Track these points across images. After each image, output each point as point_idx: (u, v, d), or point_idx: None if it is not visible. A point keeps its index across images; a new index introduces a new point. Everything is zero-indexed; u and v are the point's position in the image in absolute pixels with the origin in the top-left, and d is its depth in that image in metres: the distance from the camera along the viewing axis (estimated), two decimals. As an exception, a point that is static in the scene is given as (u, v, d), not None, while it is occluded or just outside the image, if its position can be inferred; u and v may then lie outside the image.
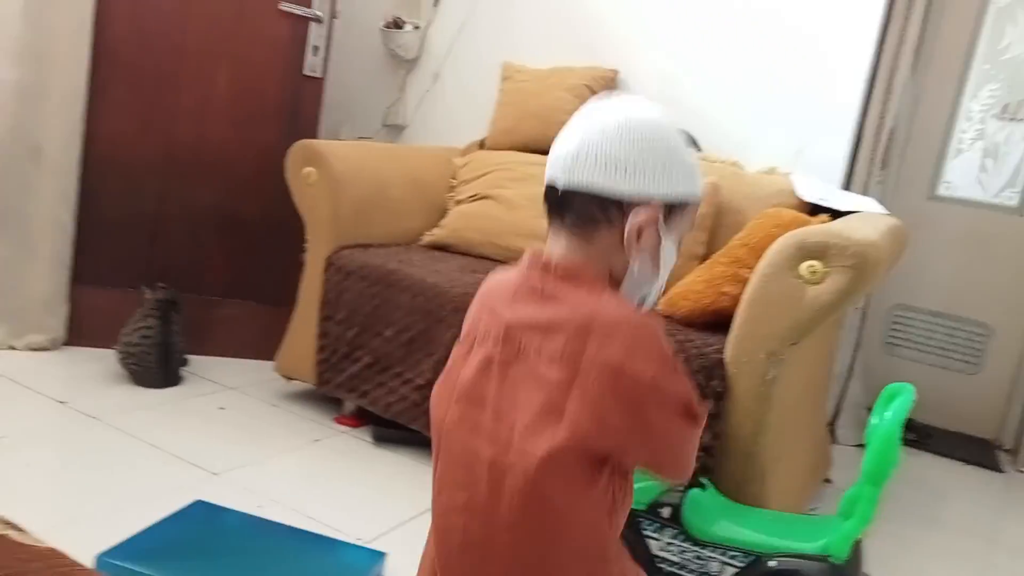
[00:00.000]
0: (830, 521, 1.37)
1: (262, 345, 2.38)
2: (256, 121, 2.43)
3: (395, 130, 3.02)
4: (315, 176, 2.14)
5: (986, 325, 2.91)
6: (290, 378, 2.27)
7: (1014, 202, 2.86)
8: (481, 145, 2.62)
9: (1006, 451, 2.85)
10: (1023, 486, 2.62)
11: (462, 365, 0.89)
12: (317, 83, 2.47)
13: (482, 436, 0.84)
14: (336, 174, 2.14)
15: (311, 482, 1.84)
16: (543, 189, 0.91)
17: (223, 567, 1.37)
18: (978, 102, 2.86)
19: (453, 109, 2.89)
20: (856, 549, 1.32)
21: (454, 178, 2.51)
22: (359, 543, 1.56)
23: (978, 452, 2.79)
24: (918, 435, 2.75)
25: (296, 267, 2.24)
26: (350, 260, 2.11)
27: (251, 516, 1.53)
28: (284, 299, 2.29)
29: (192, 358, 2.34)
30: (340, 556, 1.47)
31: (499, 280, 0.93)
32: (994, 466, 2.70)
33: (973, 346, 2.93)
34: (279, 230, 2.41)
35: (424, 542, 0.97)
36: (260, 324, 2.47)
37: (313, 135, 2.44)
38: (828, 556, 1.28)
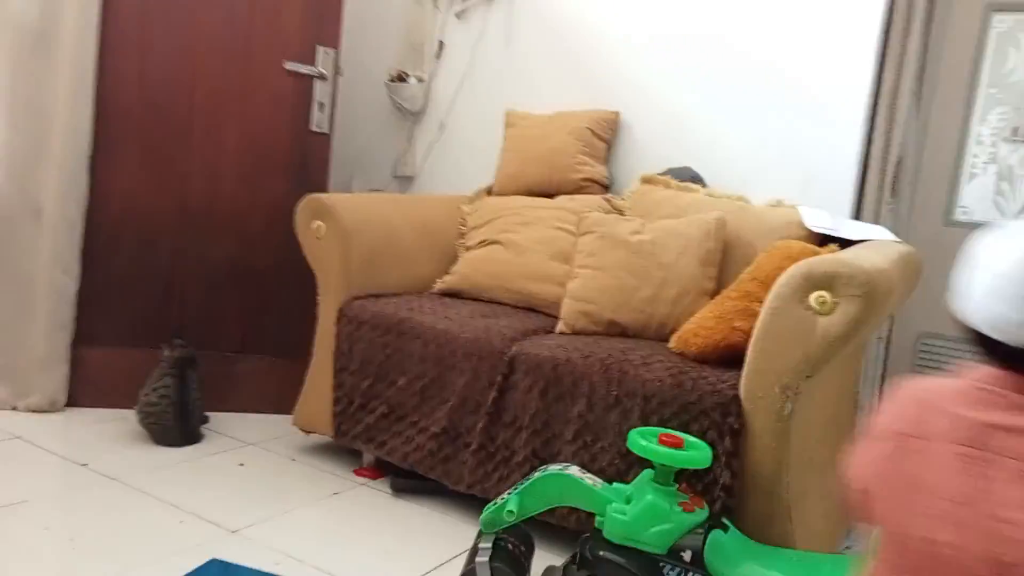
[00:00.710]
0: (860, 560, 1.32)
1: (280, 399, 2.39)
2: (266, 177, 2.48)
3: (405, 181, 3.07)
4: (324, 229, 2.17)
5: (1015, 349, 2.84)
6: (308, 431, 2.27)
7: (1033, 224, 2.81)
8: (489, 192, 2.65)
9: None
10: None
11: (902, 460, 0.94)
12: (324, 138, 2.52)
13: (968, 533, 0.88)
14: (345, 226, 2.16)
15: (330, 536, 1.82)
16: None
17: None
18: (988, 126, 2.84)
19: (460, 158, 2.93)
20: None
21: (463, 224, 2.53)
22: (377, 598, 1.54)
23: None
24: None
25: (311, 319, 2.25)
26: (362, 310, 2.12)
27: (266, 574, 1.51)
28: (300, 352, 2.30)
29: (211, 414, 2.35)
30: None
31: (937, 386, 0.98)
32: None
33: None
34: (293, 283, 2.43)
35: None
36: (277, 378, 2.48)
37: (323, 189, 2.48)
38: (859, 596, 1.24)
